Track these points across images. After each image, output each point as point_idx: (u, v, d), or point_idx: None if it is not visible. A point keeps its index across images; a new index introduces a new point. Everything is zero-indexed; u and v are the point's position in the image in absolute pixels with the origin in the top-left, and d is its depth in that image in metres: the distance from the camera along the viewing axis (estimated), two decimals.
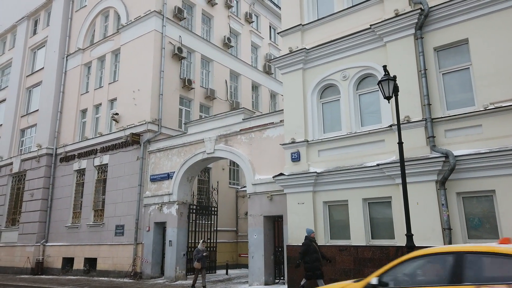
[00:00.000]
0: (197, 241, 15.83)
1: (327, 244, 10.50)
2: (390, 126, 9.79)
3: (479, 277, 4.30)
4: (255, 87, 23.98)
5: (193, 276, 13.12)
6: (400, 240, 9.11)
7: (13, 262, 20.16)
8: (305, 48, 11.67)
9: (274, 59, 12.83)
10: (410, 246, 7.59)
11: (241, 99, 22.06)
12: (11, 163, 22.51)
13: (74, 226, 18.79)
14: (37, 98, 23.29)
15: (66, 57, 22.26)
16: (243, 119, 13.93)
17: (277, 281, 12.56)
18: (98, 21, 21.55)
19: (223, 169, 19.90)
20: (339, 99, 11.19)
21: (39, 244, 19.50)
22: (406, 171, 8.42)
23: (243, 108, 15.17)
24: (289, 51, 12.07)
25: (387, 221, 9.77)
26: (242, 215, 19.55)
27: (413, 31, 9.86)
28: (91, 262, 17.49)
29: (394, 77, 8.31)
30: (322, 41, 11.50)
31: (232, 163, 20.29)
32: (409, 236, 7.67)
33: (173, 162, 15.64)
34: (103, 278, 15.98)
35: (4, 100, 25.42)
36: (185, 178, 15.36)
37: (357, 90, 10.94)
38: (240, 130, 13.81)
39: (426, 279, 4.83)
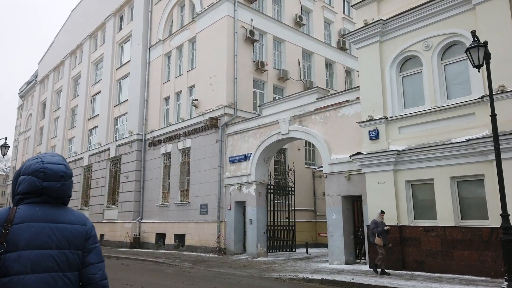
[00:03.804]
0: (276, 220, 16.25)
1: (411, 225, 10.09)
2: (482, 97, 8.93)
3: None
4: (329, 65, 23.35)
5: (278, 252, 13.45)
6: (494, 221, 8.41)
7: (115, 236, 22.74)
8: (381, 19, 11.04)
9: (348, 33, 12.35)
10: (506, 227, 6.99)
11: (314, 78, 21.68)
12: (108, 149, 25.10)
13: (164, 205, 20.49)
14: (126, 88, 25.47)
15: (149, 48, 23.84)
16: (317, 99, 13.73)
17: (358, 261, 12.41)
18: (175, 12, 22.63)
19: (299, 149, 19.94)
20: (421, 71, 10.46)
21: (135, 221, 21.67)
22: (501, 146, 7.67)
23: (316, 87, 14.92)
24: (364, 24, 11.52)
25: (479, 201, 9.06)
26: (320, 195, 19.51)
27: None
28: (180, 238, 18.99)
29: (485, 43, 7.50)
30: (400, 9, 10.77)
31: (308, 144, 20.20)
32: (505, 216, 7.06)
33: (250, 144, 16.10)
34: (191, 253, 17.29)
35: (99, 92, 28.25)
36: (262, 159, 15.74)
37: (442, 60, 10.11)
38: (315, 110, 13.65)
39: None
